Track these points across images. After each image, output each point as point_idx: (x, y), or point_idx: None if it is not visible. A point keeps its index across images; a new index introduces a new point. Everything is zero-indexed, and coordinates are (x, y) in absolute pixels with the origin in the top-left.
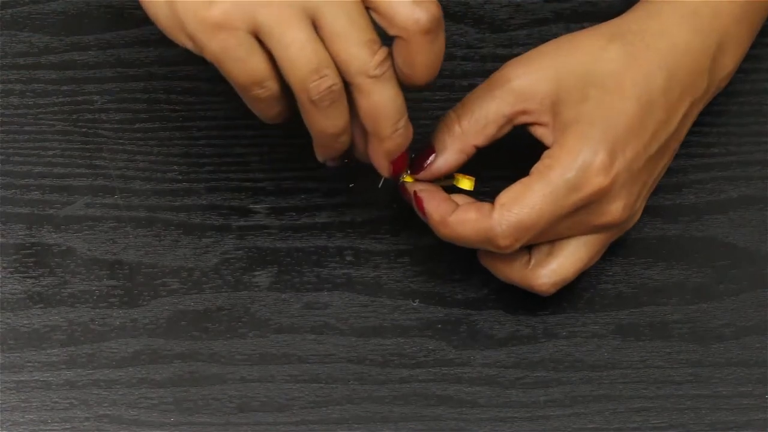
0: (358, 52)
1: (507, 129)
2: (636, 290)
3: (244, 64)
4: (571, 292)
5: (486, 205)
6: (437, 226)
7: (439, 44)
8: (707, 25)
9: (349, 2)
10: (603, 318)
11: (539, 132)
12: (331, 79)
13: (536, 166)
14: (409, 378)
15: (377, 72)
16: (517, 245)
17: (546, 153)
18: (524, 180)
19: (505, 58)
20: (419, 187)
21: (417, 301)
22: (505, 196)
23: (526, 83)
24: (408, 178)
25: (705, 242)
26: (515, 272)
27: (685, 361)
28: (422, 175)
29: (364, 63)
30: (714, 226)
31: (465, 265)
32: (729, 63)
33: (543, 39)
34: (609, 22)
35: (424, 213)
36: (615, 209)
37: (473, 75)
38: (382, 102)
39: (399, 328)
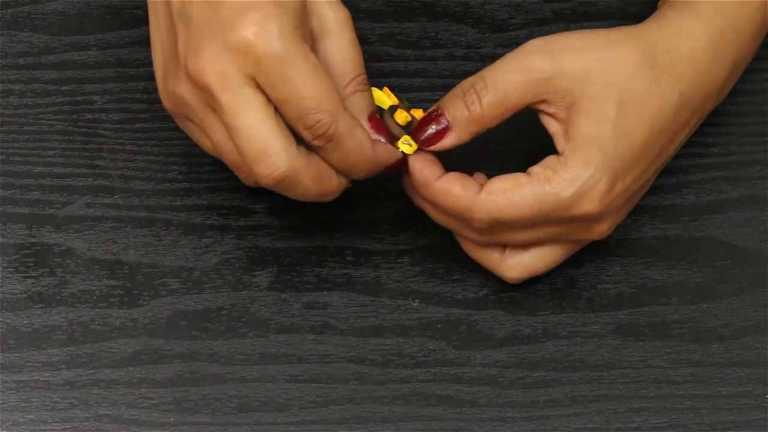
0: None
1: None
2: (636, 290)
3: (200, 142)
4: (571, 292)
5: (472, 184)
6: (418, 186)
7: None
8: (728, 48)
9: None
10: (603, 318)
11: (553, 127)
12: (250, 179)
13: (536, 169)
14: (409, 378)
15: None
16: (491, 231)
17: (549, 162)
18: (520, 177)
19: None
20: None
21: (417, 301)
22: (495, 186)
23: (552, 77)
24: (409, 148)
25: (705, 242)
26: (487, 257)
27: (685, 361)
28: (432, 149)
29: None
30: (714, 226)
31: (465, 265)
32: (736, 79)
33: None
34: (642, 30)
35: (406, 169)
36: (601, 229)
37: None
38: (338, 162)
39: (399, 328)
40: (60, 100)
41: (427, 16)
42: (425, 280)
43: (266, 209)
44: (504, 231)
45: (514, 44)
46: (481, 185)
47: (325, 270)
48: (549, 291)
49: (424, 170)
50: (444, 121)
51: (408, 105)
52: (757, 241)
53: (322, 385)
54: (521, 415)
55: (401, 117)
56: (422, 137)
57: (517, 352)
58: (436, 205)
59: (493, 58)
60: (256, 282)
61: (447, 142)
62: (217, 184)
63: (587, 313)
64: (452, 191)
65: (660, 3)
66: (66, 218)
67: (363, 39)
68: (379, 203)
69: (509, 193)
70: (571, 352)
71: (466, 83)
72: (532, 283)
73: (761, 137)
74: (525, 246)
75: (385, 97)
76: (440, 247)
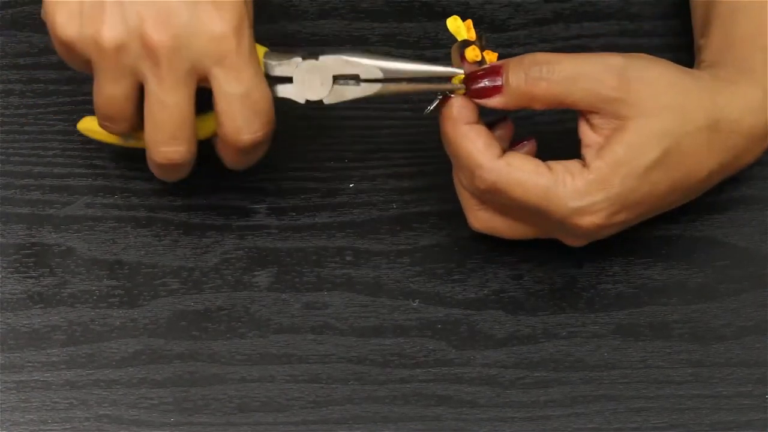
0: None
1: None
2: (636, 290)
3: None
4: (571, 292)
5: (496, 146)
6: (448, 120)
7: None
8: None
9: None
10: (603, 318)
11: (589, 138)
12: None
13: (558, 167)
14: (409, 378)
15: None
16: (486, 196)
17: (573, 166)
18: (541, 166)
19: (505, 58)
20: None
21: (417, 301)
22: (517, 160)
23: (618, 99)
24: (460, 90)
25: (705, 242)
26: (466, 199)
27: (685, 361)
28: (477, 101)
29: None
30: (714, 226)
31: (465, 265)
32: None
33: (543, 39)
34: (715, 89)
35: (446, 98)
36: (577, 242)
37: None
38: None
39: (399, 328)
40: (60, 100)
41: (427, 16)
42: (425, 280)
43: (266, 209)
44: (496, 198)
45: (514, 44)
46: (503, 151)
47: (325, 270)
48: (549, 291)
49: (463, 109)
50: (499, 80)
51: (485, 44)
52: (757, 241)
53: (322, 385)
54: (521, 415)
55: (471, 54)
56: (473, 86)
57: (517, 352)
58: (452, 146)
59: None
60: (256, 282)
61: (492, 102)
62: (217, 184)
63: (587, 313)
64: (474, 142)
65: (707, 46)
66: (66, 218)
67: (363, 39)
68: (379, 204)
69: (526, 174)
70: (571, 352)
71: (539, 58)
72: (532, 283)
73: None
74: (501, 211)
75: (463, 30)
76: (440, 247)
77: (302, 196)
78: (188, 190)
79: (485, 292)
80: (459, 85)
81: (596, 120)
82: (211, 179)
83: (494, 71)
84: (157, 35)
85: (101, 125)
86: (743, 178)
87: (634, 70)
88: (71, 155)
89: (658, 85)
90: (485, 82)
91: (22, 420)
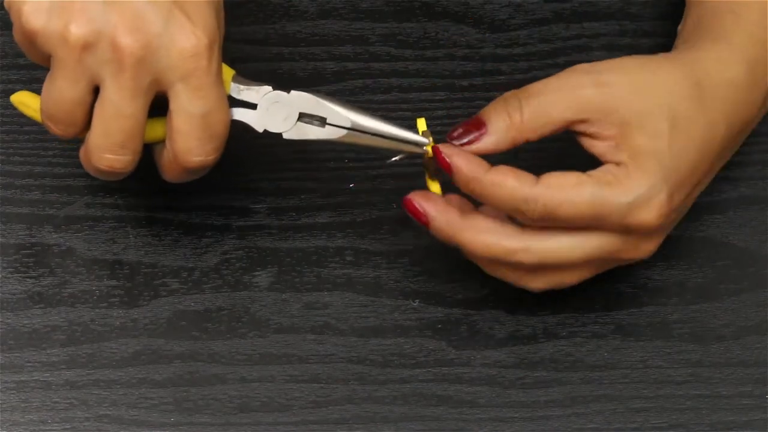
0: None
1: (561, 131)
2: (636, 290)
3: (60, 87)
4: (571, 292)
5: (527, 176)
6: (467, 181)
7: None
8: (762, 75)
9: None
10: (603, 318)
11: (598, 147)
12: (67, 134)
13: (597, 173)
14: (409, 378)
15: None
16: (538, 226)
17: (608, 169)
18: (581, 176)
19: (505, 58)
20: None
21: (417, 301)
22: (554, 180)
23: (597, 95)
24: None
25: (705, 242)
26: (512, 275)
27: (685, 361)
28: (464, 147)
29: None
30: (714, 226)
31: (465, 265)
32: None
33: (543, 39)
34: (683, 56)
35: (448, 167)
36: (648, 247)
37: (473, 75)
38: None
39: (399, 328)
40: None
41: (427, 16)
42: (425, 280)
43: (266, 209)
44: (552, 225)
45: (514, 44)
46: (537, 178)
47: (325, 270)
48: (549, 291)
49: (470, 164)
50: (483, 126)
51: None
52: (757, 241)
53: (322, 385)
54: (521, 415)
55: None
56: (461, 141)
57: (517, 352)
58: (487, 200)
59: (493, 58)
60: (256, 282)
61: (483, 144)
62: (217, 184)
63: (587, 313)
64: (506, 183)
65: (683, 29)
66: (66, 218)
67: (363, 39)
68: (379, 203)
69: (568, 190)
70: (571, 352)
71: (509, 93)
72: None
73: (760, 137)
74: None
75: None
76: (440, 247)
77: (302, 196)
78: (188, 190)
79: (485, 292)
80: (423, 150)
81: (591, 128)
82: (211, 179)
83: (476, 120)
84: (128, 41)
85: (43, 122)
86: (743, 178)
87: (599, 65)
88: (71, 155)
89: (627, 67)
90: (469, 132)
91: (22, 420)
